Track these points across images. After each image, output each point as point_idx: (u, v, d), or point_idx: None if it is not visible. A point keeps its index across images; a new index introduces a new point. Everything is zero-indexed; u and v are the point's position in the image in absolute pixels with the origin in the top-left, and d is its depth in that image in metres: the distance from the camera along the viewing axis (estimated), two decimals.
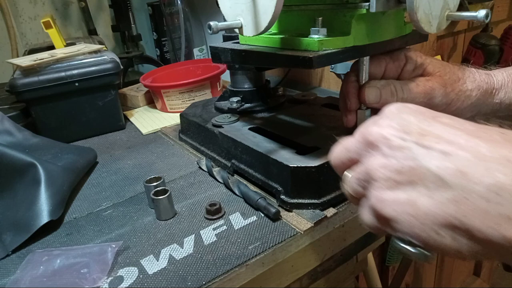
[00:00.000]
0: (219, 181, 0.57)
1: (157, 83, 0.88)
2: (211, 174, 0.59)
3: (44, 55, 0.77)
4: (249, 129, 0.59)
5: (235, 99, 0.66)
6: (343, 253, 0.58)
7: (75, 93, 0.75)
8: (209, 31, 0.40)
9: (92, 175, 0.64)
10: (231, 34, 0.64)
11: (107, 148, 0.74)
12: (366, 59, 0.48)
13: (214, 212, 0.48)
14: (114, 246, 0.44)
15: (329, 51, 0.42)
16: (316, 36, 0.42)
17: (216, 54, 0.55)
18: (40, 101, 0.73)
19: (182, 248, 0.44)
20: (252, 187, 0.54)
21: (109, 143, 0.76)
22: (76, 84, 0.74)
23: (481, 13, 0.37)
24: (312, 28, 0.43)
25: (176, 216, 0.50)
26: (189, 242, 0.45)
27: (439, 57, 0.92)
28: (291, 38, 0.45)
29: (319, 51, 0.42)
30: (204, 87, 0.85)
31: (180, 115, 0.71)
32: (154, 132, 0.79)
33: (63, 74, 0.72)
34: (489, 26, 0.95)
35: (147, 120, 0.86)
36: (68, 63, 0.74)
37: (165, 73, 0.95)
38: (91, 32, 1.14)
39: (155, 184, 0.51)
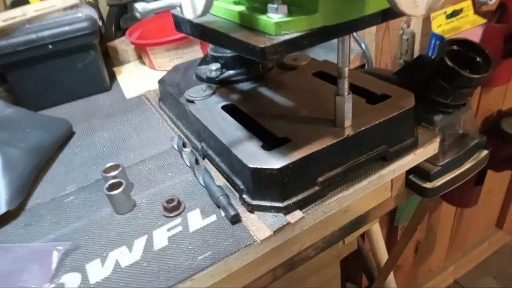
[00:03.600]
0: (188, 166, 0.52)
1: (143, 40, 0.80)
2: (181, 156, 0.54)
3: (17, 12, 0.71)
4: (223, 107, 0.53)
5: (214, 66, 0.59)
6: (325, 240, 0.53)
7: (50, 56, 0.70)
8: (137, 15, 0.33)
9: (66, 150, 0.61)
10: None
11: (87, 116, 0.70)
12: (346, 39, 0.39)
13: (171, 209, 0.44)
14: (61, 248, 0.41)
15: (289, 37, 0.33)
16: (275, 16, 0.34)
17: (177, 24, 0.47)
18: (13, 67, 0.69)
19: (130, 253, 0.41)
20: (220, 177, 0.49)
21: (90, 109, 0.72)
22: (50, 46, 0.68)
23: None
24: (270, 5, 0.34)
25: (134, 209, 0.47)
26: (139, 245, 0.41)
27: (469, 1, 0.77)
28: (250, 14, 0.37)
29: (278, 36, 0.34)
30: (193, 43, 0.77)
31: (158, 81, 0.65)
32: (138, 96, 0.74)
33: (33, 36, 0.67)
34: None
35: (134, 80, 0.80)
36: (39, 23, 0.68)
37: (154, 25, 0.87)
38: None
39: (113, 174, 0.48)
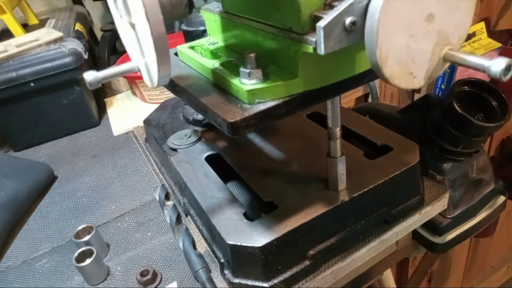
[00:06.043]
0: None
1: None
2: (163, 210, 0.49)
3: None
4: (207, 157, 0.48)
5: None
6: None
7: (33, 93, 0.66)
8: (87, 85, 0.28)
9: (45, 199, 0.57)
10: (190, 28, 0.51)
11: (71, 156, 0.66)
12: (336, 100, 0.34)
13: (145, 283, 0.40)
14: None
15: (264, 107, 0.29)
16: (248, 82, 0.29)
17: None
18: None
19: None
20: (202, 240, 0.44)
21: (76, 148, 0.68)
22: (32, 84, 0.64)
23: (497, 65, 0.22)
24: (242, 69, 0.29)
25: (108, 278, 0.42)
26: None
27: (482, 23, 0.71)
28: (222, 75, 0.32)
29: (252, 105, 0.29)
30: None
31: (144, 121, 0.61)
32: (126, 133, 0.70)
33: (14, 74, 0.63)
34: None
35: (124, 113, 0.76)
36: (20, 60, 0.64)
37: None
38: (76, 1, 1.01)
39: (85, 239, 0.43)
